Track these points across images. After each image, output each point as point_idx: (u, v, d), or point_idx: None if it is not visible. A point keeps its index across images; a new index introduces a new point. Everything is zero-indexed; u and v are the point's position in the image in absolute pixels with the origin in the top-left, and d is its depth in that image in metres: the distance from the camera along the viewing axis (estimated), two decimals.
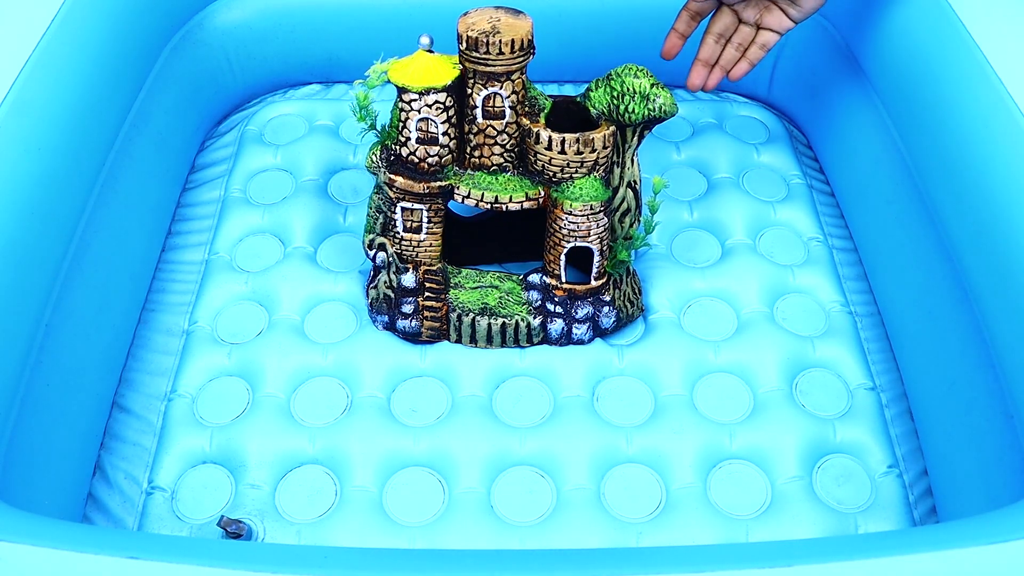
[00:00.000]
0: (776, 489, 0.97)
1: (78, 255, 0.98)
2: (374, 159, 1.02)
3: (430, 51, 0.97)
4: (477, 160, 1.01)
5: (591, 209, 0.99)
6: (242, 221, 1.22)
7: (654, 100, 0.97)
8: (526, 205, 1.01)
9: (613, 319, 1.07)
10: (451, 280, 1.07)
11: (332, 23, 1.35)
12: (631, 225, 1.05)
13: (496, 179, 1.01)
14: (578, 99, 1.01)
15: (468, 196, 1.00)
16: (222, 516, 0.91)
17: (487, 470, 0.97)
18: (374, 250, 1.05)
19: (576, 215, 0.99)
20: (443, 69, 0.96)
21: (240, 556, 0.68)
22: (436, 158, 1.00)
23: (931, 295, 1.02)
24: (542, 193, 1.01)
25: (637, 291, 1.10)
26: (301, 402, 1.03)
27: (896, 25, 1.13)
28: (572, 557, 0.76)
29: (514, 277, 1.08)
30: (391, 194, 1.01)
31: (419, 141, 0.98)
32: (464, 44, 0.94)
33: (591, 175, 0.99)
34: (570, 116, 1.01)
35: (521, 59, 0.95)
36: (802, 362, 1.07)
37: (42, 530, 0.69)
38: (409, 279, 1.04)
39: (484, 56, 0.94)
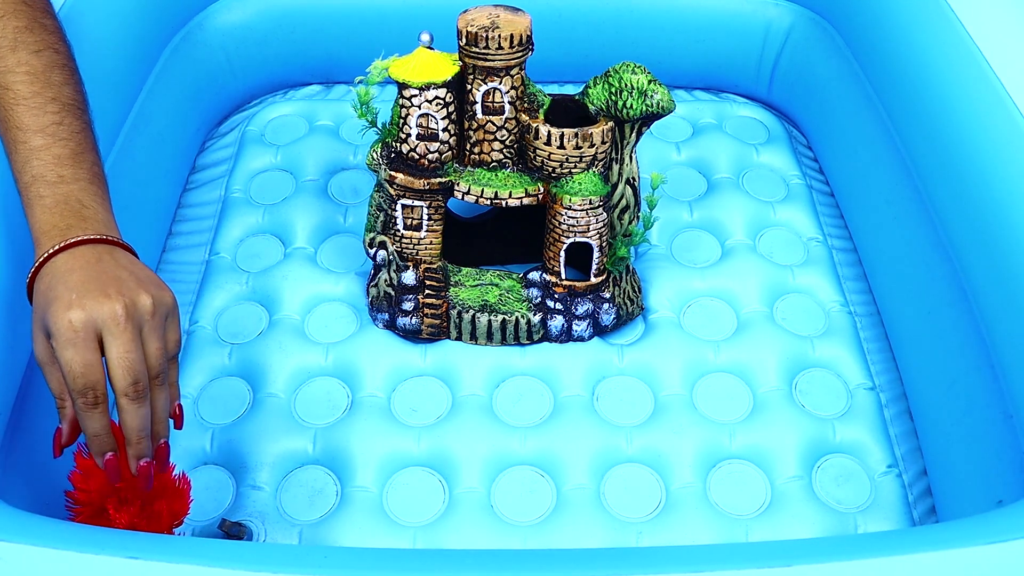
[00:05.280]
0: (776, 489, 0.97)
1: None
2: (375, 156, 1.02)
3: (430, 48, 0.97)
4: (477, 156, 1.01)
5: (590, 204, 1.00)
6: (243, 221, 1.22)
7: (652, 96, 0.97)
8: (526, 201, 1.01)
9: (613, 316, 1.07)
10: (451, 278, 1.07)
11: (332, 23, 1.36)
12: (630, 222, 1.05)
13: (496, 175, 1.01)
14: (577, 97, 1.02)
15: (468, 192, 1.01)
16: (223, 519, 0.91)
17: (487, 470, 0.97)
18: (375, 248, 1.05)
19: (575, 210, 1.00)
20: (443, 65, 0.97)
21: (240, 556, 0.68)
22: (436, 154, 1.00)
23: (931, 295, 1.02)
24: (541, 189, 1.01)
25: (637, 289, 1.11)
26: (302, 402, 1.03)
27: (895, 26, 1.13)
28: (572, 557, 0.76)
29: (514, 275, 1.08)
30: (391, 191, 1.01)
31: (419, 137, 0.99)
32: (463, 39, 0.95)
33: (590, 170, 1.00)
34: (569, 114, 1.01)
35: (520, 54, 0.95)
36: (802, 362, 1.07)
37: (42, 530, 0.69)
38: (409, 277, 1.05)
39: (483, 51, 0.94)
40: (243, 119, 1.38)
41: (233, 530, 0.90)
